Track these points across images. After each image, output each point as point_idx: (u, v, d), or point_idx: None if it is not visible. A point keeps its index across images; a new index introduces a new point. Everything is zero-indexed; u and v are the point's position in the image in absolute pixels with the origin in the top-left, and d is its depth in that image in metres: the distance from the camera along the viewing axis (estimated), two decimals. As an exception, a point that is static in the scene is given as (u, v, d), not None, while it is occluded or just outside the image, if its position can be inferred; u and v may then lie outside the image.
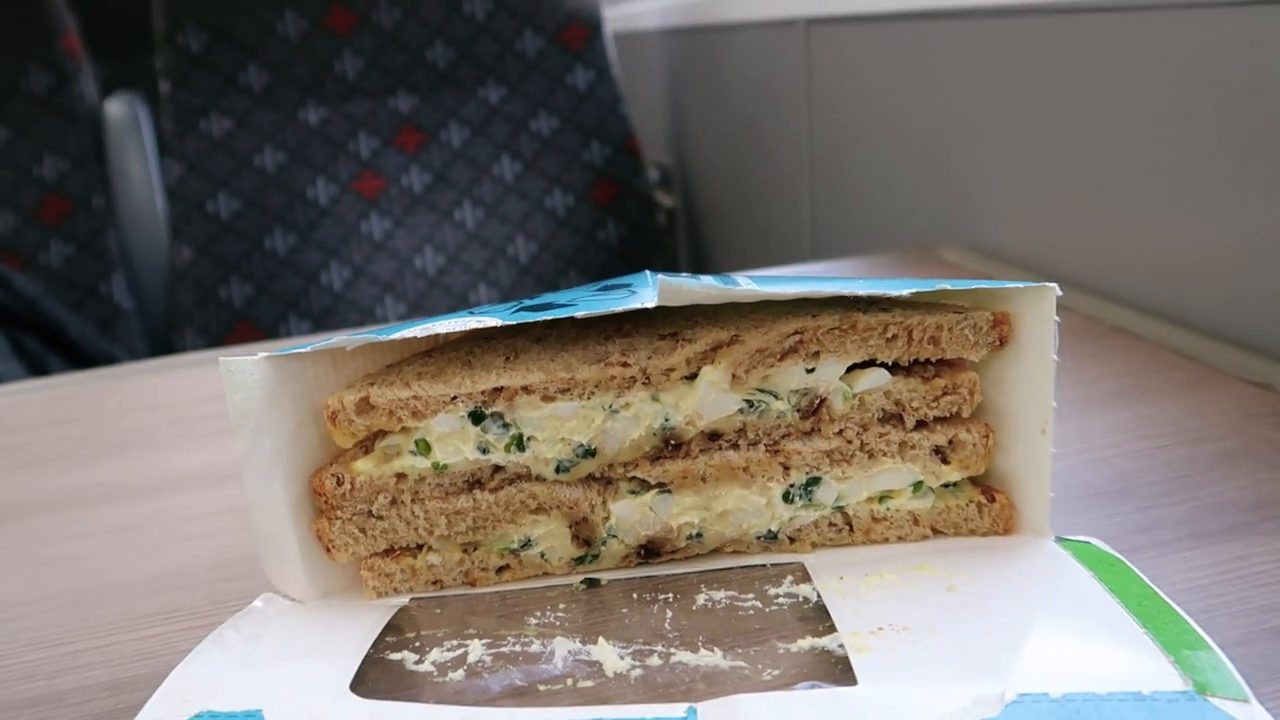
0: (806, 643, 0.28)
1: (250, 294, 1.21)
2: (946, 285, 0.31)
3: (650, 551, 0.33)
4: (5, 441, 0.52)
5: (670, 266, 1.37)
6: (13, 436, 0.52)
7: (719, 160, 1.35)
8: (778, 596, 0.31)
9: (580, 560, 0.33)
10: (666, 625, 0.29)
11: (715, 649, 0.28)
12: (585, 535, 0.33)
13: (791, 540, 0.34)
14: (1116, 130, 0.57)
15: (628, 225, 1.30)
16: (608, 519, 0.33)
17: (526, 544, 0.33)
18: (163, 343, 1.26)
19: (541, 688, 0.26)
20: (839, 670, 0.26)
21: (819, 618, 0.29)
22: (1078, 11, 0.59)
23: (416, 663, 0.28)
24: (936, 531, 0.34)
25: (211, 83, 1.24)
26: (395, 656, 0.28)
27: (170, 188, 1.21)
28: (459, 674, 0.27)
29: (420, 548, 0.33)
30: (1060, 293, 0.30)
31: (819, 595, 0.30)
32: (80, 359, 1.02)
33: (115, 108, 1.26)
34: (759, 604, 0.30)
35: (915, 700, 0.25)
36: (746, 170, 1.23)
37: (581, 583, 0.33)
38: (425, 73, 1.30)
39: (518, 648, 0.28)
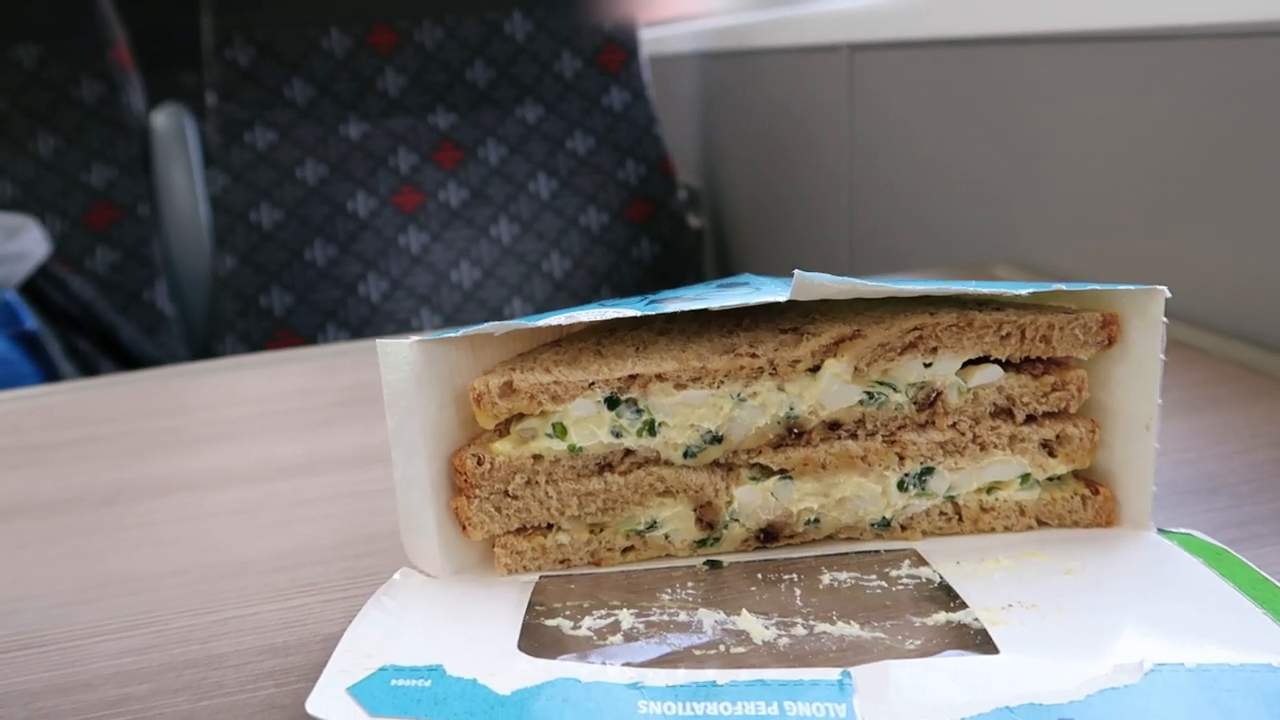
0: (941, 617, 0.29)
1: (290, 303, 1.23)
2: (1062, 286, 0.33)
3: (769, 535, 0.35)
4: (103, 431, 0.53)
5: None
6: (110, 426, 0.54)
7: (749, 183, 1.37)
8: (900, 578, 0.32)
9: (702, 543, 0.35)
10: (798, 601, 0.31)
11: (852, 622, 0.29)
12: (709, 518, 0.34)
13: (903, 528, 0.35)
14: (1162, 150, 0.59)
15: (661, 244, 1.32)
16: (730, 503, 0.34)
17: (652, 525, 0.34)
18: (203, 349, 1.28)
19: (696, 652, 0.28)
20: (978, 641, 0.28)
21: (947, 596, 0.30)
22: (1119, 40, 0.61)
23: (573, 629, 0.29)
24: (1041, 522, 0.35)
25: (257, 96, 1.27)
26: (551, 623, 0.30)
27: (215, 198, 1.23)
28: (617, 638, 0.29)
29: (550, 527, 0.35)
30: (1169, 294, 0.32)
31: (941, 577, 0.32)
32: (129, 362, 1.04)
33: (162, 119, 1.29)
34: (884, 584, 0.32)
35: (1059, 668, 0.26)
36: (779, 193, 1.26)
37: (704, 564, 0.34)
38: (465, 91, 1.33)
39: (665, 617, 0.30)
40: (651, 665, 0.27)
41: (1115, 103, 0.63)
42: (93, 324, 0.98)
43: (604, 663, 0.27)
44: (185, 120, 1.31)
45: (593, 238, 1.32)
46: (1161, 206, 0.61)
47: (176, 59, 1.53)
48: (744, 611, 0.30)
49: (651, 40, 1.51)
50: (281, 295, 1.24)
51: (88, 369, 0.99)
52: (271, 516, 0.42)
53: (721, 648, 0.28)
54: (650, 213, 1.33)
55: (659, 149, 1.34)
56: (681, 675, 0.26)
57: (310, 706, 0.24)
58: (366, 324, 1.25)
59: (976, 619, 0.29)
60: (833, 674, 0.26)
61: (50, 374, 0.88)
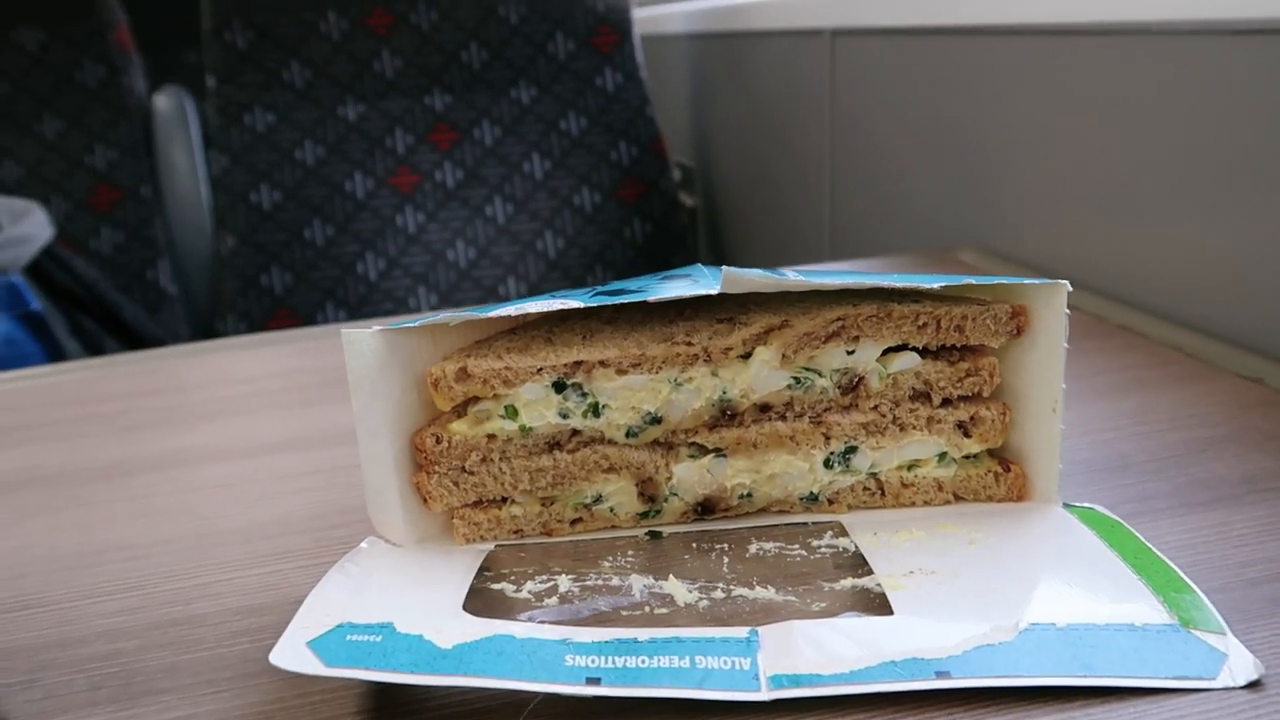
0: (848, 582, 0.32)
1: (290, 282, 1.26)
2: (972, 280, 0.36)
3: (706, 509, 0.38)
4: (105, 409, 0.57)
5: (691, 263, 1.42)
6: (110, 405, 0.57)
7: (740, 162, 1.39)
8: (820, 547, 0.35)
9: (644, 515, 0.38)
10: (725, 569, 0.34)
11: (769, 587, 0.32)
12: (650, 493, 0.38)
13: (830, 502, 0.38)
14: (1124, 144, 0.61)
15: (653, 224, 1.35)
16: (670, 479, 0.37)
17: (598, 499, 0.38)
18: (205, 328, 1.31)
19: (624, 613, 0.31)
20: (877, 604, 0.31)
21: (857, 564, 0.34)
22: (1095, 34, 0.63)
23: (515, 591, 0.32)
24: (958, 497, 0.38)
25: (256, 78, 1.29)
26: (496, 586, 0.33)
27: (215, 179, 1.26)
28: (553, 600, 0.32)
29: (505, 500, 0.38)
30: (1070, 288, 0.35)
31: (856, 546, 0.35)
32: (133, 341, 1.08)
33: (163, 101, 1.32)
34: (804, 553, 0.35)
35: (943, 627, 0.29)
36: (768, 173, 1.28)
37: (646, 534, 0.38)
38: (460, 72, 1.35)
39: (600, 581, 0.33)
40: (581, 624, 0.30)
41: (1084, 97, 0.65)
42: (97, 304, 1.02)
43: (539, 621, 0.30)
44: (186, 102, 1.34)
45: (586, 217, 1.34)
46: (1124, 196, 0.63)
47: (177, 38, 1.55)
48: (671, 577, 0.33)
49: (644, 20, 1.53)
50: (281, 275, 1.27)
51: (92, 348, 1.03)
52: (256, 490, 0.45)
53: (647, 609, 0.31)
54: (642, 193, 1.35)
55: (651, 130, 1.36)
56: (607, 633, 0.30)
57: (274, 658, 0.28)
58: (364, 302, 1.28)
59: (879, 584, 0.32)
60: (742, 632, 0.30)
61: (55, 353, 0.91)
